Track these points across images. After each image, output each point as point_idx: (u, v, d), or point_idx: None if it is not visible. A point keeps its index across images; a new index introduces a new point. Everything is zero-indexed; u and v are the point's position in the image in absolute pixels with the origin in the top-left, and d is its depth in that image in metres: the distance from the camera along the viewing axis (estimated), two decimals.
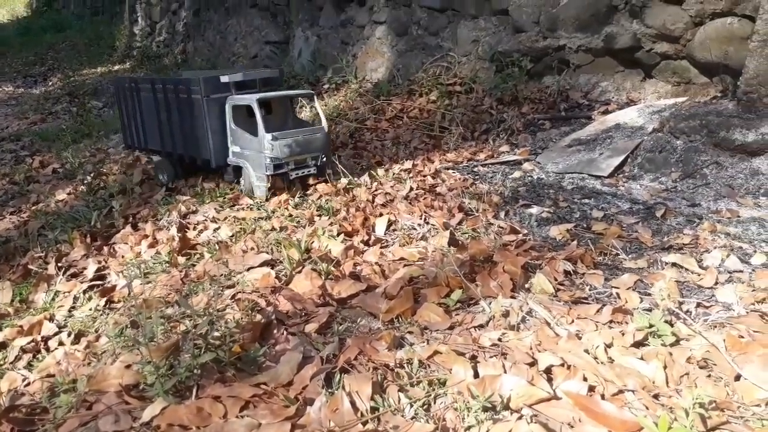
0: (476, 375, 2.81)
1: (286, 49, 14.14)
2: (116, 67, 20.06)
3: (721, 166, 6.29)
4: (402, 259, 4.49)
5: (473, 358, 3.01)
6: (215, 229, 5.36)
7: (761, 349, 2.92)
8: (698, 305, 3.72)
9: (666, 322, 3.21)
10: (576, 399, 2.61)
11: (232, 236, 5.10)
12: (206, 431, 2.53)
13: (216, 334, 3.16)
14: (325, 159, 6.53)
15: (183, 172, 7.51)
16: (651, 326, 3.18)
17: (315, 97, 6.87)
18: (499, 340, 3.15)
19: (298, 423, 2.56)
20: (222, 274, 4.35)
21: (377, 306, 3.58)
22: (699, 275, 4.25)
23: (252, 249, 4.70)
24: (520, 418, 2.49)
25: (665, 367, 2.82)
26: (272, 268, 4.26)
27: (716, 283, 4.11)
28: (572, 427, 2.49)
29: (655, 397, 2.67)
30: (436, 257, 4.38)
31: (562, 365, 2.86)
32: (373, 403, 2.66)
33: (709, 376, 2.85)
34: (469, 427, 2.50)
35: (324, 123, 6.63)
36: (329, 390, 2.79)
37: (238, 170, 6.74)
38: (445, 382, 2.80)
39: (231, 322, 3.28)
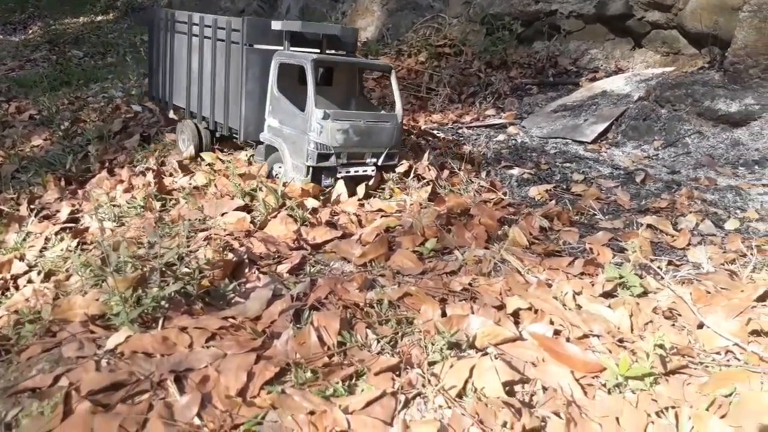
0: (444, 315, 2.82)
1: (275, 4, 13.83)
2: (99, 18, 19.50)
3: (703, 135, 6.31)
4: (380, 210, 4.46)
5: (443, 300, 3.02)
6: (192, 176, 5.29)
7: (725, 301, 2.96)
8: (669, 263, 3.76)
9: (636, 275, 3.24)
10: (541, 340, 2.63)
11: (207, 184, 5.04)
12: (171, 359, 2.51)
13: (186, 270, 3.13)
14: (391, 158, 4.78)
15: (209, 142, 5.83)
16: (621, 278, 3.20)
17: (393, 73, 4.89)
18: (470, 285, 3.16)
19: (264, 354, 2.55)
20: (197, 219, 4.30)
21: (351, 251, 3.57)
22: (673, 237, 4.30)
23: (228, 195, 4.64)
24: (484, 355, 2.51)
25: (631, 315, 2.86)
26: (248, 213, 4.21)
27: (689, 245, 4.16)
28: (535, 366, 2.52)
29: (620, 341, 2.71)
30: (414, 209, 4.37)
31: (530, 309, 2.88)
32: (340, 339, 2.66)
33: (674, 325, 2.89)
34: (433, 362, 2.51)
35: (399, 109, 4.87)
36: (297, 325, 2.78)
37: (271, 151, 5.06)
38: (413, 321, 2.81)
39: (202, 259, 3.25)
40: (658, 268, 3.63)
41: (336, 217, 4.26)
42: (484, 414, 2.24)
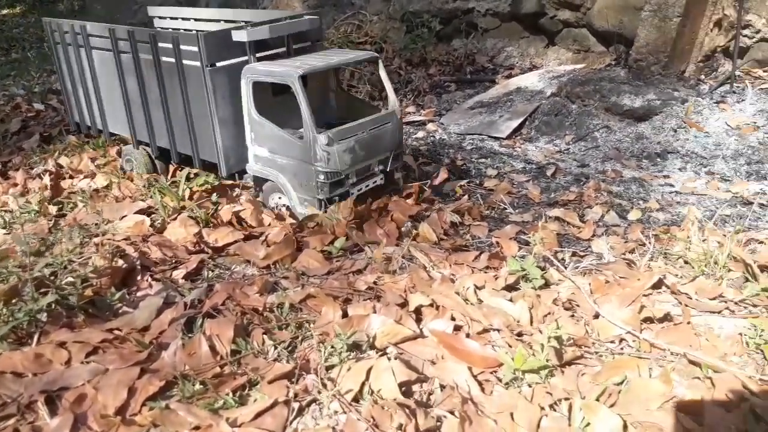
0: (345, 316, 2.75)
1: None
2: (4, 12, 18.23)
3: (610, 129, 6.56)
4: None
5: (347, 300, 2.94)
6: (92, 178, 4.98)
7: (620, 290, 3.04)
8: (573, 254, 3.85)
9: (538, 267, 3.28)
10: (441, 337, 2.60)
11: (108, 186, 4.75)
12: (43, 378, 2.31)
13: (70, 279, 2.90)
14: (397, 160, 4.35)
15: (165, 165, 5.07)
16: (523, 271, 3.23)
17: (380, 63, 4.38)
18: (375, 283, 3.10)
19: (149, 367, 2.39)
20: (94, 223, 4.03)
21: (255, 253, 3.43)
22: (579, 228, 4.42)
23: (129, 197, 4.39)
24: (383, 355, 2.45)
25: (531, 308, 2.88)
26: (148, 216, 3.99)
27: (593, 236, 4.28)
28: (434, 363, 2.48)
29: (519, 335, 2.72)
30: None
31: (431, 306, 2.85)
32: (234, 347, 2.53)
33: (572, 315, 2.94)
34: (331, 366, 2.43)
35: (394, 103, 4.28)
36: (189, 334, 2.63)
37: (262, 182, 4.30)
38: (314, 324, 2.72)
39: (89, 267, 3.03)
40: (562, 259, 3.71)
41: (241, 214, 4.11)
42: (380, 417, 2.17)
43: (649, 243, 3.93)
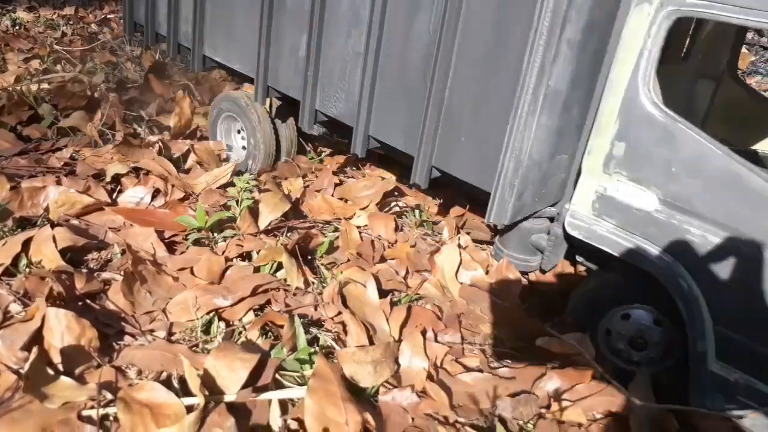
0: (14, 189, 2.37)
1: None
2: None
3: None
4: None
5: (33, 177, 2.54)
6: None
7: None
8: None
9: None
10: (126, 208, 2.36)
11: None
12: None
13: None
14: None
15: (294, 148, 2.96)
16: None
17: None
18: (72, 158, 2.72)
19: None
20: None
21: None
22: None
23: None
24: (53, 225, 2.14)
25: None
26: None
27: None
28: (119, 230, 2.24)
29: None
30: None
31: (132, 174, 2.57)
32: None
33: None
34: None
35: None
36: None
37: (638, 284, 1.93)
38: None
39: None
40: None
41: None
42: (35, 287, 1.90)
43: None
